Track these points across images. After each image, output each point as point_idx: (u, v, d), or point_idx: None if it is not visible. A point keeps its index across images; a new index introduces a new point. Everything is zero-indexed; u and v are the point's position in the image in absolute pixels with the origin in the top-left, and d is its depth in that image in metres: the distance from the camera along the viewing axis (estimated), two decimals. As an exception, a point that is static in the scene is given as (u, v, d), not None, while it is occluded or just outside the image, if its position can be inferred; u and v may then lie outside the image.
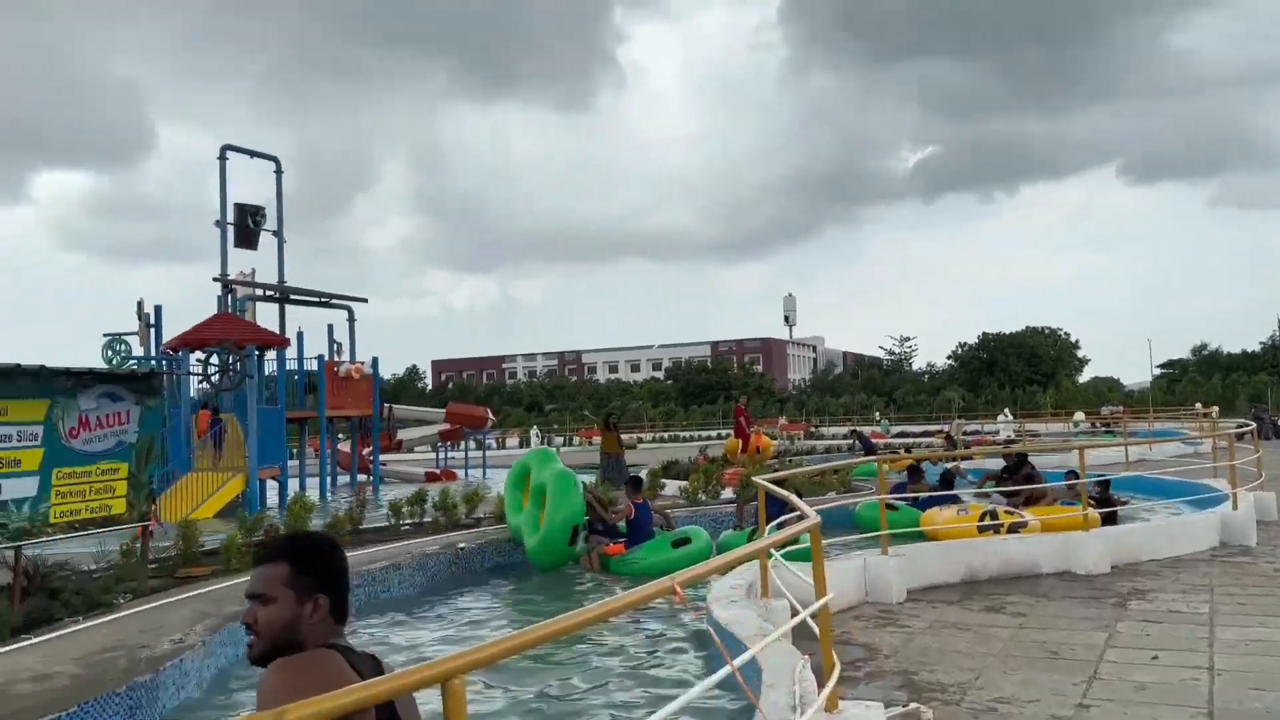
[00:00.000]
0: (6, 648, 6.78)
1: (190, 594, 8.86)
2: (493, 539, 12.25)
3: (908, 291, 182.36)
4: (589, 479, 18.31)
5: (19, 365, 8.22)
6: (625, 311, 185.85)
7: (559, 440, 49.01)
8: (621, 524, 11.85)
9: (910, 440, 34.12)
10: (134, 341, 24.19)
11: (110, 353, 24.21)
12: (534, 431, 57.62)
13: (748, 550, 4.40)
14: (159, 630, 7.29)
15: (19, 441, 8.20)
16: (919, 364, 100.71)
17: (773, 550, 6.60)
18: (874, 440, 29.21)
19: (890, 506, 10.41)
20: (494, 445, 46.56)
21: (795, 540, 6.42)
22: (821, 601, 4.42)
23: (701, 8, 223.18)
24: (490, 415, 32.48)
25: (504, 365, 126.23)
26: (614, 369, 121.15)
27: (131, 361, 23.46)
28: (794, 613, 4.93)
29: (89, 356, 23.95)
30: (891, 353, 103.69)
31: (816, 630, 4.38)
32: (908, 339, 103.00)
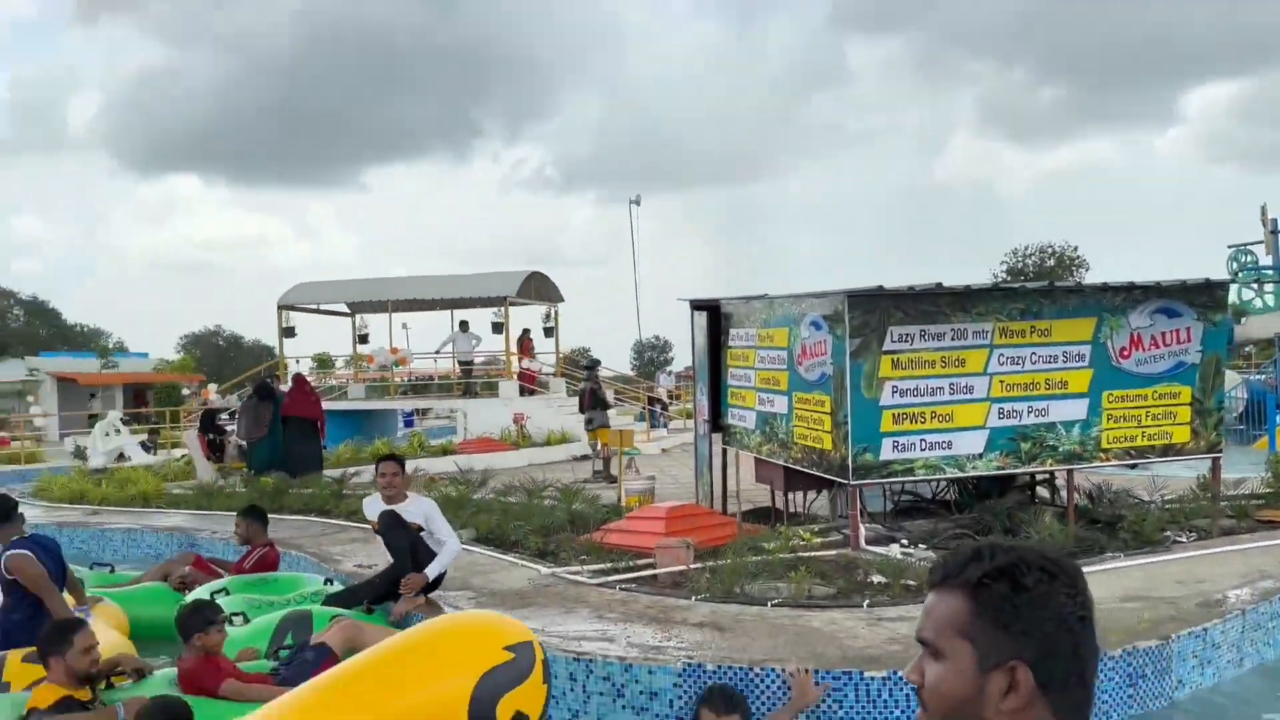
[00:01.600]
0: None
1: (1259, 544, 7.40)
2: None
3: None
4: None
5: (1052, 284, 7.98)
6: None
7: None
8: None
9: None
10: (1259, 250, 22.10)
11: (1234, 264, 22.61)
12: None
13: None
14: (1199, 584, 6.22)
15: (1065, 362, 7.96)
16: None
17: None
18: None
19: None
20: None
21: None
22: None
23: None
24: None
25: None
26: None
27: (1254, 271, 21.43)
28: None
29: (1218, 270, 22.93)
30: None
31: None
32: None
